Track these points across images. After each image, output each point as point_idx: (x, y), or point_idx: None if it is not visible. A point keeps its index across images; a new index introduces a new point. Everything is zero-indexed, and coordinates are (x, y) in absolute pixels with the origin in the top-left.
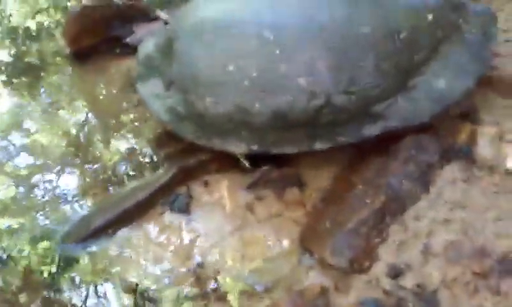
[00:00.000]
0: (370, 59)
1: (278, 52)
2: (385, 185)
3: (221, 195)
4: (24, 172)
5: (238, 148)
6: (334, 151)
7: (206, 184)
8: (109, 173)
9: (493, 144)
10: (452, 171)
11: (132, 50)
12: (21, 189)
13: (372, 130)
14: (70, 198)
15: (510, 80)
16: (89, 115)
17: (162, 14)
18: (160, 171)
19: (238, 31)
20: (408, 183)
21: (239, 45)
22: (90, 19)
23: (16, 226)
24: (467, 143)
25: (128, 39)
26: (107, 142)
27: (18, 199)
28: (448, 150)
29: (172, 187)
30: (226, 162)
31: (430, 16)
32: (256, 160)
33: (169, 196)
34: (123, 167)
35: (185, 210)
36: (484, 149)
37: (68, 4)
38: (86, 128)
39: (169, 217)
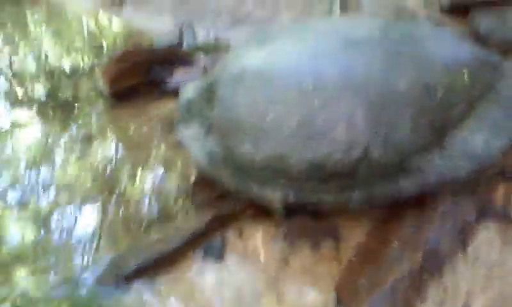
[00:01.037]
0: (407, 115)
1: (317, 103)
2: (423, 243)
3: (256, 245)
4: (45, 209)
5: (274, 196)
6: (368, 208)
7: (240, 232)
8: (135, 211)
9: None
10: (488, 230)
11: (170, 93)
12: (42, 232)
13: (408, 185)
14: (91, 239)
15: None
16: (120, 152)
17: (201, 59)
18: (193, 216)
19: (279, 80)
20: (446, 242)
21: (279, 94)
22: (131, 62)
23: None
24: (503, 202)
25: (167, 83)
26: (134, 179)
27: (39, 242)
28: (484, 209)
29: (206, 234)
30: (262, 211)
31: (466, 74)
32: (292, 210)
33: (202, 242)
34: (152, 207)
35: (219, 258)
36: None
37: (104, 43)
38: (114, 164)
39: (202, 264)
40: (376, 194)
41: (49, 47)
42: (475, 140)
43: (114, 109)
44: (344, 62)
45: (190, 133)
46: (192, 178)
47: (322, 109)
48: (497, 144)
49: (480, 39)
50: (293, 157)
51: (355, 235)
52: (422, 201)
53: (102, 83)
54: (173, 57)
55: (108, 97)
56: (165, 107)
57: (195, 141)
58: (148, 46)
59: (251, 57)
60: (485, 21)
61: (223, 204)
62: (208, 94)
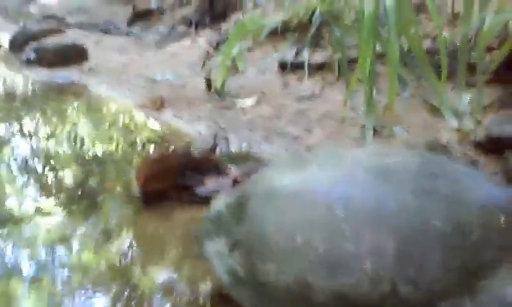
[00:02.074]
0: (438, 253)
1: (346, 230)
2: None
3: None
4: (58, 292)
5: None
6: None
7: None
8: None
9: None
10: None
11: (199, 200)
12: None
13: None
14: None
15: None
16: (137, 249)
17: (233, 170)
18: None
19: (310, 202)
20: None
21: (309, 217)
22: (164, 165)
23: None
24: None
25: (197, 190)
26: (148, 277)
27: None
28: None
29: None
30: None
31: (502, 218)
32: None
33: None
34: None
35: None
36: None
37: (138, 140)
38: (130, 259)
39: None
40: None
41: (85, 134)
42: (507, 290)
43: (142, 210)
44: (377, 192)
45: (215, 248)
46: (210, 290)
47: (351, 237)
48: None
49: None
50: (317, 284)
51: None
52: None
53: (134, 183)
54: (205, 164)
55: (138, 198)
56: (192, 214)
57: (219, 256)
58: (183, 151)
59: (284, 178)
60: None
61: None
62: (238, 209)
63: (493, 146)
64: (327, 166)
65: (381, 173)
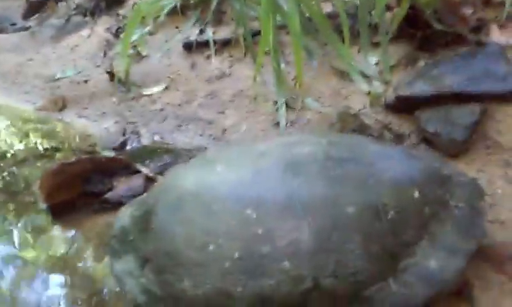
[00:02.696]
0: (356, 241)
1: (260, 232)
2: None
3: None
4: None
5: None
6: None
7: None
8: None
9: None
10: None
11: (111, 206)
12: None
13: None
14: None
15: (501, 251)
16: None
17: (144, 168)
18: None
19: (219, 207)
20: None
21: (219, 223)
22: (67, 174)
23: None
24: None
25: (106, 195)
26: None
27: None
28: None
29: None
30: None
31: (416, 193)
32: None
33: None
34: None
35: None
36: None
37: (39, 146)
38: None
39: None
40: None
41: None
42: (430, 264)
43: (52, 222)
44: (287, 188)
45: (124, 268)
46: None
47: (266, 238)
48: (452, 267)
49: (427, 141)
50: (237, 292)
51: None
52: None
53: (39, 196)
54: (114, 165)
55: (46, 211)
56: (103, 224)
57: (129, 277)
58: (87, 155)
59: (189, 181)
60: (431, 122)
61: None
62: (143, 223)
63: (404, 107)
64: (235, 165)
65: (290, 166)
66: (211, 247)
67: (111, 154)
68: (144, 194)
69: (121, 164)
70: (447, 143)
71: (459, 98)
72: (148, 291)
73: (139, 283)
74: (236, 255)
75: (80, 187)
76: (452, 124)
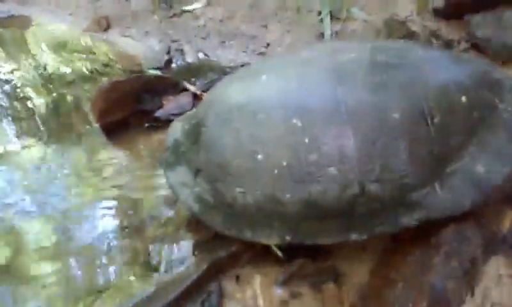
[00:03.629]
0: (402, 146)
1: (307, 140)
2: (428, 285)
3: (254, 292)
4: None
5: (270, 239)
6: (370, 241)
7: (238, 279)
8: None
9: None
10: (497, 265)
11: (161, 123)
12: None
13: (409, 219)
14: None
15: None
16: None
17: (191, 86)
18: (190, 264)
19: (266, 117)
20: (452, 283)
21: (267, 133)
22: (119, 93)
23: None
24: (511, 231)
25: (157, 113)
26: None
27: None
28: (492, 241)
29: (203, 284)
30: (259, 254)
31: (464, 98)
32: (291, 250)
33: (199, 293)
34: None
35: None
36: None
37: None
38: None
39: None
40: (376, 233)
41: (49, 60)
42: (476, 168)
43: (104, 143)
44: (332, 95)
45: (178, 179)
46: (187, 221)
47: (312, 145)
48: (501, 170)
49: (478, 47)
50: (286, 198)
51: (357, 275)
52: (425, 235)
53: (92, 116)
54: (162, 84)
55: (99, 130)
56: (155, 141)
57: (183, 186)
58: (137, 74)
59: (236, 93)
60: (482, 26)
61: (219, 248)
62: (194, 136)
63: (453, 11)
64: (279, 74)
65: (336, 73)
66: (259, 156)
67: (158, 73)
68: (194, 109)
69: (169, 83)
70: (497, 48)
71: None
72: (202, 200)
73: (193, 192)
74: (284, 163)
75: (131, 107)
76: (503, 28)
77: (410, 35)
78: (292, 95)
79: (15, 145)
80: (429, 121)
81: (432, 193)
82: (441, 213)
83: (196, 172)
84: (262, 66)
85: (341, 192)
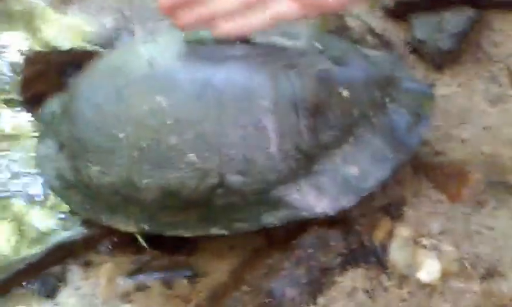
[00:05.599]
0: (268, 137)
1: (169, 121)
2: (267, 290)
3: (99, 281)
4: None
5: (126, 226)
6: (240, 240)
7: (87, 265)
8: None
9: (407, 248)
10: (354, 277)
11: None
12: None
13: (272, 219)
14: None
15: (450, 170)
16: None
17: None
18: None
19: (131, 92)
20: (293, 291)
21: (130, 110)
22: (44, 64)
23: None
24: (382, 244)
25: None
26: None
27: None
28: (358, 251)
29: (45, 265)
30: (123, 241)
31: (345, 92)
32: (159, 240)
33: (39, 274)
34: None
35: (51, 295)
36: (395, 253)
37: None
38: None
39: (32, 300)
40: (236, 229)
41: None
42: (348, 169)
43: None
44: (202, 75)
45: (43, 151)
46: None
47: (175, 128)
48: (376, 175)
49: (416, 49)
50: (143, 182)
51: (216, 273)
52: (294, 237)
53: (18, 86)
54: (87, 57)
55: (23, 101)
56: None
57: (47, 160)
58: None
59: (106, 63)
60: (421, 29)
61: (76, 230)
62: (65, 108)
63: (402, 11)
64: (158, 47)
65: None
66: (120, 135)
67: (99, 49)
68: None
69: (94, 57)
70: (432, 52)
71: (455, 2)
72: (62, 176)
73: (55, 167)
74: (144, 144)
75: (55, 80)
76: (441, 31)
77: (343, 29)
78: (159, 68)
79: None
80: (300, 113)
81: (296, 191)
82: (301, 212)
83: (60, 146)
84: (148, 39)
85: (199, 182)
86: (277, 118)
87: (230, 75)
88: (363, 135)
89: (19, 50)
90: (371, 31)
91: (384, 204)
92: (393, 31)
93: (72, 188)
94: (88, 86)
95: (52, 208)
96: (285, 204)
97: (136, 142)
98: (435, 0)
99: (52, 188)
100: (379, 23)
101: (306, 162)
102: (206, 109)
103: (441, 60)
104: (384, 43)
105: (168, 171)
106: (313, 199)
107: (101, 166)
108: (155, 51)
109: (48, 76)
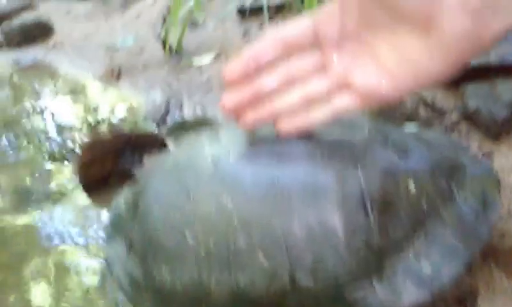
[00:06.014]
0: (337, 235)
1: (236, 221)
2: None
3: None
4: None
5: None
6: None
7: None
8: None
9: None
10: None
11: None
12: None
13: None
14: None
15: None
16: None
17: (172, 143)
18: None
19: (197, 193)
20: None
21: (197, 210)
22: (101, 150)
23: None
24: None
25: (136, 172)
26: None
27: None
28: None
29: None
30: None
31: (412, 185)
32: None
33: None
34: None
35: None
36: None
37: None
38: None
39: None
40: None
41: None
42: (422, 266)
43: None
44: (267, 173)
45: (113, 251)
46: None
47: (242, 228)
48: (449, 270)
49: (470, 118)
50: (212, 284)
51: None
52: None
53: (74, 173)
54: (144, 140)
55: (80, 188)
56: None
57: (117, 260)
58: (118, 131)
59: (175, 160)
60: (474, 97)
61: None
62: (133, 207)
63: (453, 79)
64: (224, 146)
65: (274, 154)
66: (188, 236)
67: (153, 128)
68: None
69: (150, 140)
70: (487, 122)
71: (508, 70)
72: (132, 276)
73: (125, 267)
74: (211, 245)
75: (113, 163)
76: (494, 100)
77: (396, 103)
78: (227, 170)
79: None
80: (369, 210)
81: (369, 290)
82: None
83: (130, 246)
84: (216, 135)
85: (269, 283)
86: (345, 216)
87: (295, 174)
88: (433, 228)
89: (78, 131)
90: (423, 102)
91: (457, 294)
92: (445, 101)
93: (142, 290)
94: (157, 186)
95: None
96: (358, 305)
97: (203, 243)
98: (487, 69)
99: (125, 293)
100: (430, 93)
101: (377, 260)
102: (272, 208)
103: (497, 130)
104: (438, 115)
105: (236, 272)
106: (388, 299)
107: (171, 268)
108: (219, 150)
109: (105, 161)
